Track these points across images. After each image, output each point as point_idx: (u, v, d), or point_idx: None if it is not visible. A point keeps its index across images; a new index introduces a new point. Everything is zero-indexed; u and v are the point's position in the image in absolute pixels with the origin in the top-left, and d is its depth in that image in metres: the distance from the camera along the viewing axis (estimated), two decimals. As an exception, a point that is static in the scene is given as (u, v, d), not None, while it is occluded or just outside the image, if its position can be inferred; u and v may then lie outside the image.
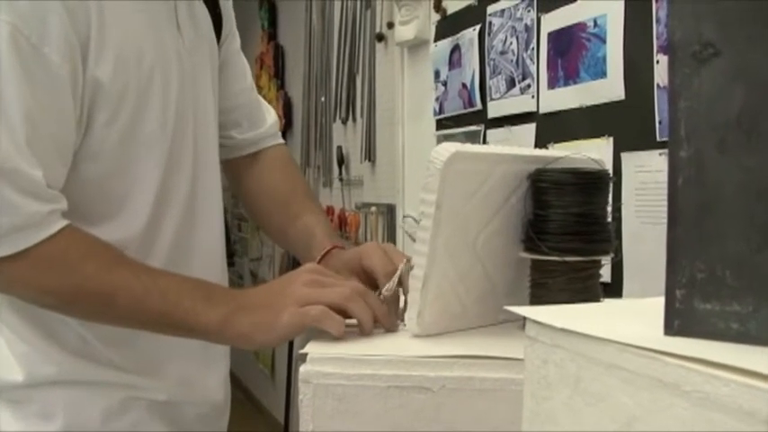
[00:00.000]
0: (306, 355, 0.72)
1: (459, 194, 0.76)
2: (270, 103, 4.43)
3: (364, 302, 0.81)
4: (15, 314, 0.95)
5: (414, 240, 0.77)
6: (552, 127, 1.58)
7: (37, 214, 0.82)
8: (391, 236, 2.45)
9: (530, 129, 1.65)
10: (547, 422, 0.47)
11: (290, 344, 3.31)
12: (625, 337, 0.41)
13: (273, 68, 3.91)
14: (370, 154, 2.62)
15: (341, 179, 2.92)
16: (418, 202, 0.76)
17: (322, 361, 0.71)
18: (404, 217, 0.78)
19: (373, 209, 2.57)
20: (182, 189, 1.00)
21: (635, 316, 0.51)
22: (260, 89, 4.08)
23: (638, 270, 1.31)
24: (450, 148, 0.73)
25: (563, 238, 0.77)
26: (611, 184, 0.83)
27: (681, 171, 0.43)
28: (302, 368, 0.71)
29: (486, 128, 1.85)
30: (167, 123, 0.96)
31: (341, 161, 2.91)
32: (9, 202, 0.80)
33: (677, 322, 0.43)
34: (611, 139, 1.39)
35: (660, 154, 1.26)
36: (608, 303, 0.74)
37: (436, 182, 0.73)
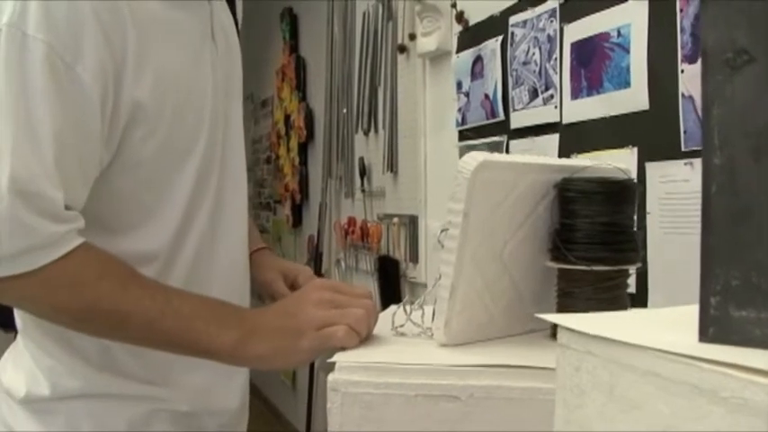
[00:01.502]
0: (334, 363, 0.73)
1: (487, 204, 0.76)
2: (291, 114, 4.41)
3: (369, 324, 0.85)
4: (39, 329, 0.96)
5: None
6: (575, 137, 1.57)
7: (54, 234, 0.82)
8: (414, 246, 2.45)
9: (553, 139, 1.65)
10: (580, 430, 0.47)
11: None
12: (660, 344, 0.41)
13: (295, 80, 3.93)
14: (392, 165, 2.62)
15: (363, 190, 2.93)
16: (443, 212, 0.76)
17: (350, 369, 0.72)
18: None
19: (395, 220, 2.57)
20: (208, 200, 1.00)
21: (666, 324, 0.51)
22: (281, 101, 4.12)
23: (663, 280, 1.30)
24: (478, 157, 0.73)
25: (590, 248, 0.77)
26: (637, 194, 0.82)
27: (714, 178, 0.43)
28: (330, 376, 0.71)
29: (509, 139, 1.84)
30: (201, 135, 0.97)
31: (363, 172, 2.91)
32: (26, 224, 0.80)
33: (712, 329, 0.43)
34: (636, 149, 1.38)
35: (685, 164, 1.25)
36: (636, 312, 0.73)
37: (464, 191, 0.73)
